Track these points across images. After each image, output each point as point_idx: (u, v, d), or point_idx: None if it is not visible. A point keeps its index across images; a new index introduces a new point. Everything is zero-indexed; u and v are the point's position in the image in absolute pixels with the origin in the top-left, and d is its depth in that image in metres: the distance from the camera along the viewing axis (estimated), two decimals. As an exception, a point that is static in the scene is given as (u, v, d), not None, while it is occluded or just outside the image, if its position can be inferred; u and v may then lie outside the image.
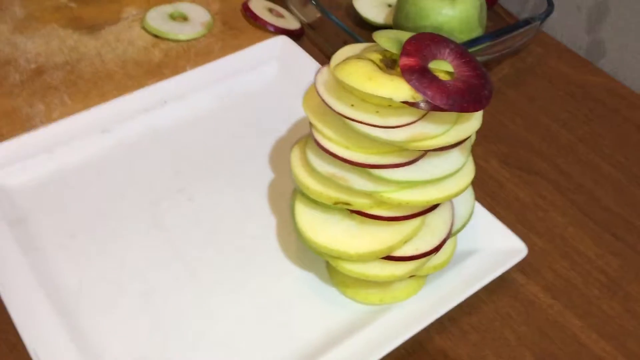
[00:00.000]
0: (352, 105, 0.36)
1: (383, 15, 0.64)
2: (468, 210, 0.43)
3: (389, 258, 0.40)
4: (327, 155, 0.38)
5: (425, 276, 0.44)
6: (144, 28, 0.62)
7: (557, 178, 0.54)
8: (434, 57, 0.36)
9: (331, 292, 0.44)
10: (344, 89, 0.36)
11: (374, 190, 0.37)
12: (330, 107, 0.36)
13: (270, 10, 0.65)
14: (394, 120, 0.35)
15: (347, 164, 0.37)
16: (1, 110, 0.53)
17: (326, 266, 0.45)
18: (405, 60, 0.35)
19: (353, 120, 0.35)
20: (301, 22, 0.65)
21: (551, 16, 0.62)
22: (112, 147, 0.51)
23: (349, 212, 0.40)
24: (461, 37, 0.57)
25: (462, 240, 0.46)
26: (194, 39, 0.61)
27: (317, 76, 0.38)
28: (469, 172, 0.39)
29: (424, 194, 0.37)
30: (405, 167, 0.37)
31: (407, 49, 0.35)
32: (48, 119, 0.53)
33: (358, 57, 0.37)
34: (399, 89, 0.34)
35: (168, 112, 0.54)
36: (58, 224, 0.46)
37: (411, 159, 0.37)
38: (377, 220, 0.39)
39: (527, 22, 0.59)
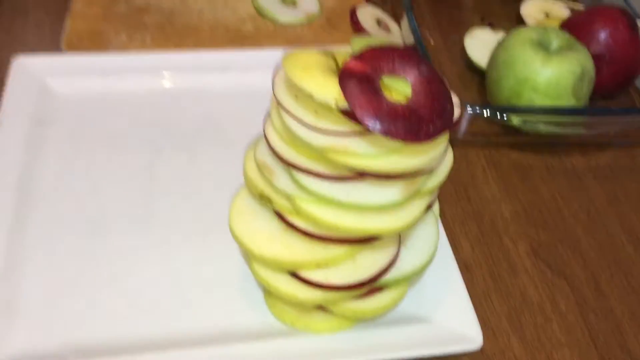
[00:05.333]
0: (296, 96, 0.33)
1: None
2: (415, 266, 0.37)
3: (297, 277, 0.36)
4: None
5: (353, 320, 0.39)
6: (252, 1, 0.63)
7: (587, 293, 0.45)
8: (393, 73, 0.31)
9: (259, 295, 0.41)
10: (298, 78, 0.34)
11: (291, 194, 0.34)
12: (273, 89, 0.34)
13: (379, 21, 0.63)
14: (325, 124, 0.32)
15: (278, 158, 0.34)
16: (92, 29, 0.58)
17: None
18: (350, 63, 0.31)
19: (284, 108, 0.33)
20: (404, 41, 0.62)
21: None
22: (155, 91, 0.53)
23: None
24: (544, 101, 0.50)
25: (417, 303, 0.41)
26: (291, 25, 0.61)
27: (284, 58, 0.35)
28: (402, 218, 0.33)
29: (336, 217, 0.33)
30: (329, 182, 0.33)
31: (363, 54, 0.31)
32: (123, 48, 0.57)
33: (324, 52, 0.34)
34: (325, 87, 0.30)
35: (224, 79, 0.55)
36: (69, 136, 0.49)
37: (339, 175, 0.33)
38: (297, 232, 0.35)
39: (633, 111, 0.49)
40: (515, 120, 0.49)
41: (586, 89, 0.51)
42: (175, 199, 0.46)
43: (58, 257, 0.42)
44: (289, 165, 0.34)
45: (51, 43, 0.58)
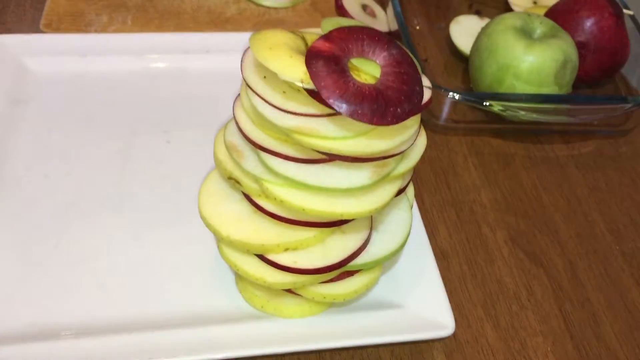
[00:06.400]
0: (265, 77, 0.33)
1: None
2: (387, 251, 0.37)
3: (265, 260, 0.35)
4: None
5: (324, 305, 0.39)
6: (237, -16, 0.63)
7: (564, 282, 0.44)
8: (362, 54, 0.31)
9: (230, 279, 0.41)
10: (267, 59, 0.33)
11: (259, 176, 0.33)
12: (241, 70, 0.33)
13: (365, 7, 0.62)
14: (293, 105, 0.31)
15: (246, 139, 0.34)
16: (72, 10, 0.58)
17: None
18: (318, 43, 0.30)
19: (252, 89, 0.32)
20: (389, 27, 0.61)
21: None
22: (135, 72, 0.53)
23: (247, 195, 0.36)
24: (527, 88, 0.49)
25: (390, 289, 0.40)
26: (274, 9, 0.61)
27: (252, 37, 0.34)
28: (371, 202, 0.33)
29: (304, 200, 0.32)
30: (297, 164, 0.33)
31: (332, 34, 0.31)
32: (103, 29, 0.56)
33: (293, 31, 0.33)
34: (292, 67, 0.30)
35: (204, 61, 0.54)
36: (45, 116, 0.49)
37: (307, 157, 0.32)
38: (265, 215, 0.35)
39: (615, 99, 0.49)
40: (497, 107, 0.49)
41: (569, 77, 0.50)
42: (150, 181, 0.46)
43: (29, 237, 0.41)
44: (257, 147, 0.33)
45: (32, 24, 0.57)
